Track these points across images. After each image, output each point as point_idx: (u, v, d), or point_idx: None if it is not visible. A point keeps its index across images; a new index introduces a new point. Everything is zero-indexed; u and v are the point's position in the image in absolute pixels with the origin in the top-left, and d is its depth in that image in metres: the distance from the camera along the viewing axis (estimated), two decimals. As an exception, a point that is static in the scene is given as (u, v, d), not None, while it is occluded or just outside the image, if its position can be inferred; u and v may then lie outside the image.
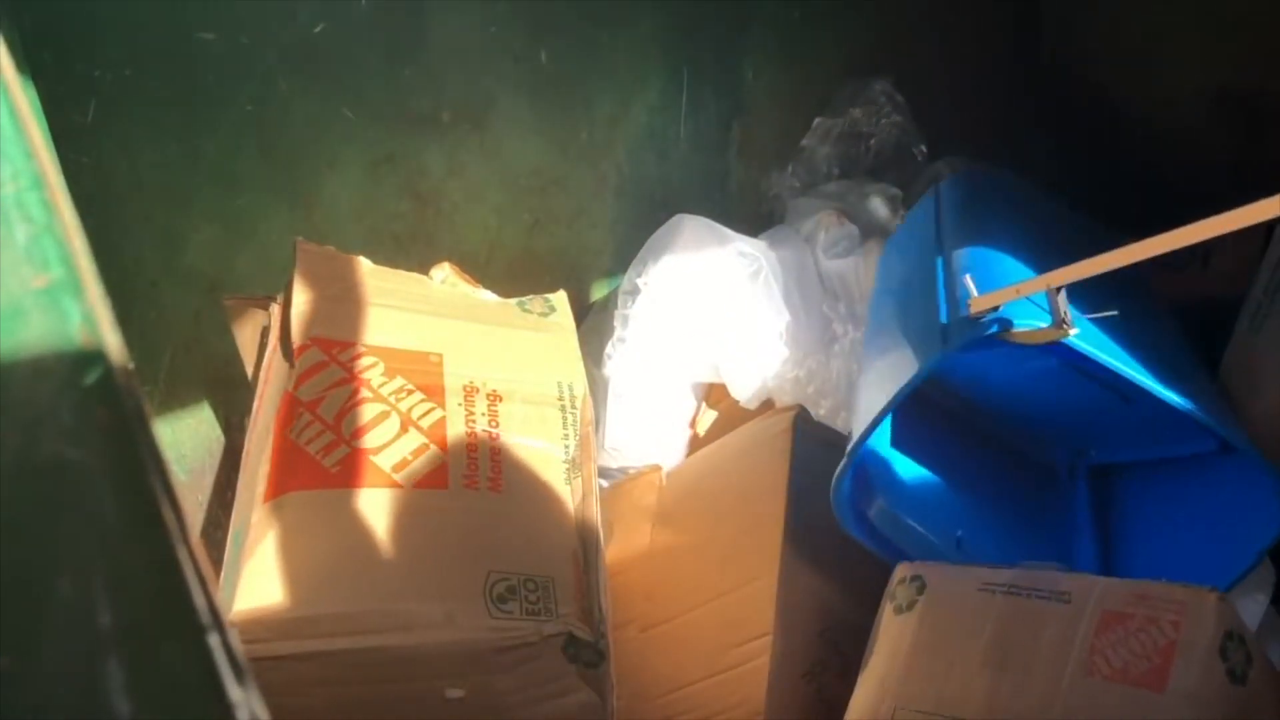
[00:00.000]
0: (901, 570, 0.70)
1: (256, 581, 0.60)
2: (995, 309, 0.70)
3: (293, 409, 0.69)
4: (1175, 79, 1.16)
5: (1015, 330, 0.69)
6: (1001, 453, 0.91)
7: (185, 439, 0.90)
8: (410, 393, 0.72)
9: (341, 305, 0.76)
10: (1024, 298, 0.70)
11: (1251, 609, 0.77)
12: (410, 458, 0.68)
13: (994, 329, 0.69)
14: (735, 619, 0.77)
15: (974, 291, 0.71)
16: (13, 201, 0.24)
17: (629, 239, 1.09)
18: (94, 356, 0.24)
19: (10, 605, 0.21)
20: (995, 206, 0.94)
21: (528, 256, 1.10)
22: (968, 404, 0.90)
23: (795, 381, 0.99)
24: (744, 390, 1.00)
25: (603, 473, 0.98)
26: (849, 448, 0.74)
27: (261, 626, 0.58)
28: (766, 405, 1.00)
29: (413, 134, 0.98)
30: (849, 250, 1.09)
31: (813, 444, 0.83)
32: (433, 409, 0.71)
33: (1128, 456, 0.88)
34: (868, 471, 0.80)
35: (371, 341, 0.74)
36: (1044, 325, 0.68)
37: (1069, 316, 0.68)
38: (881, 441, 0.81)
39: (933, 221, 0.91)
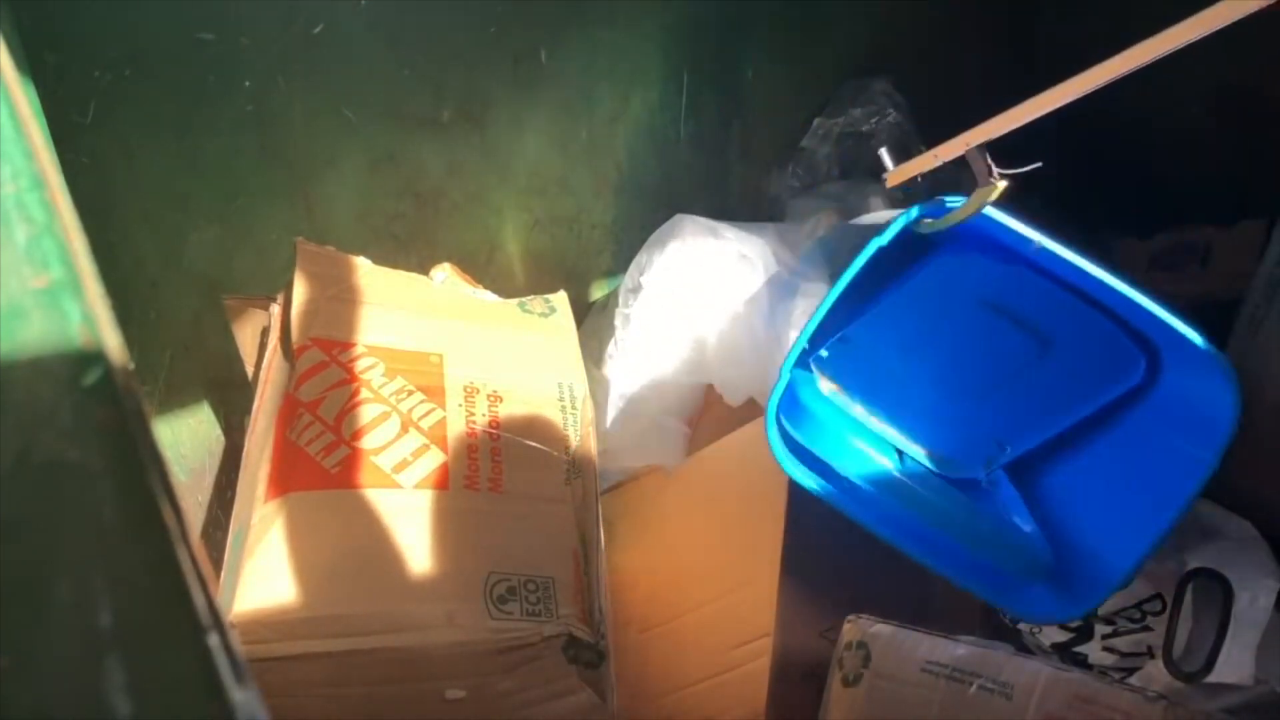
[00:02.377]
0: (849, 631, 0.69)
1: (257, 582, 0.60)
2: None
3: (293, 409, 0.69)
4: (1175, 79, 1.16)
5: (948, 214, 0.70)
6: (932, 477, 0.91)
7: (185, 439, 0.90)
8: (411, 393, 0.72)
9: (342, 305, 0.76)
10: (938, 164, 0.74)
11: (1261, 601, 0.77)
12: (411, 458, 0.68)
13: (929, 214, 0.70)
14: (736, 619, 0.77)
15: (890, 165, 0.72)
16: (13, 202, 0.24)
17: (629, 239, 1.09)
18: (94, 356, 0.24)
19: (10, 605, 0.21)
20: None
21: (528, 256, 1.10)
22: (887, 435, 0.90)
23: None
24: (734, 390, 1.00)
25: (603, 473, 0.97)
26: (783, 363, 0.73)
27: (262, 627, 0.58)
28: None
29: (413, 134, 0.97)
30: (849, 250, 1.09)
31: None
32: (433, 409, 0.71)
33: (1043, 434, 0.88)
34: (802, 407, 0.80)
35: (372, 342, 0.74)
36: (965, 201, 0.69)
37: (994, 169, 0.68)
38: (814, 398, 0.82)
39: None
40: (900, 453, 0.83)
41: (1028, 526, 0.84)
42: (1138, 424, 0.80)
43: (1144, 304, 0.71)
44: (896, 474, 0.82)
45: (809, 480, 0.76)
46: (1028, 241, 0.70)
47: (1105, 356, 0.79)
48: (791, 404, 0.75)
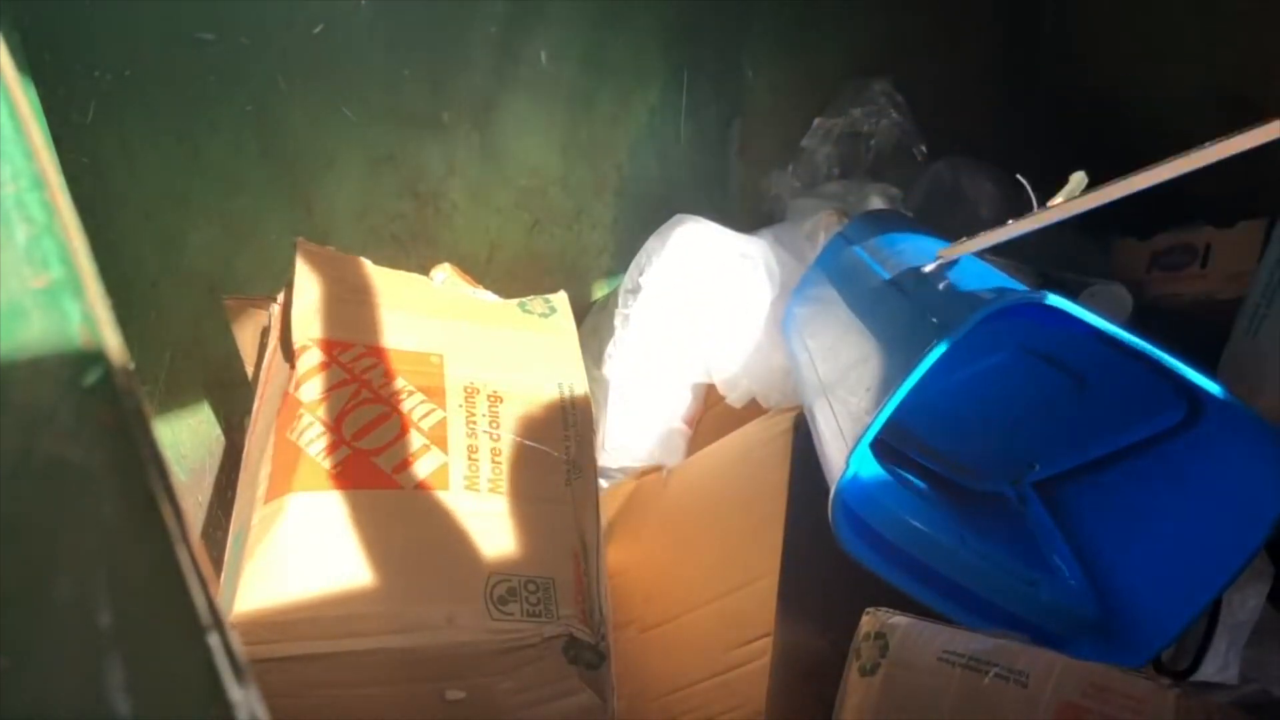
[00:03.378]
0: (867, 623, 0.69)
1: (257, 582, 0.60)
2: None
3: (293, 410, 0.69)
4: (1175, 79, 1.16)
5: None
6: (956, 485, 0.91)
7: (185, 439, 0.90)
8: (411, 394, 0.72)
9: (342, 306, 0.76)
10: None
11: (1250, 602, 0.77)
12: (411, 459, 0.68)
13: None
14: (736, 619, 0.77)
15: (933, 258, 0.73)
16: (13, 202, 0.24)
17: (629, 239, 1.09)
18: (94, 356, 0.24)
19: (10, 605, 0.21)
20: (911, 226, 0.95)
21: (528, 256, 1.10)
22: (911, 443, 0.90)
23: (784, 384, 0.99)
24: (735, 390, 1.00)
25: (603, 473, 0.98)
26: (848, 454, 0.71)
27: (262, 627, 0.58)
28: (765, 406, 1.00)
29: (413, 134, 0.98)
30: (849, 250, 1.09)
31: (814, 444, 0.83)
32: (433, 410, 0.71)
33: (1075, 460, 0.87)
34: (861, 483, 0.79)
35: (372, 342, 0.74)
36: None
37: None
38: (866, 465, 0.81)
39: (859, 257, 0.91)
40: (962, 536, 0.83)
41: (1066, 566, 0.83)
42: (1184, 474, 0.78)
43: (1185, 371, 0.70)
44: (957, 552, 0.81)
45: (875, 563, 0.74)
46: (1083, 324, 0.69)
47: (1143, 397, 0.78)
48: (850, 483, 0.73)
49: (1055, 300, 0.68)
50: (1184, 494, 0.78)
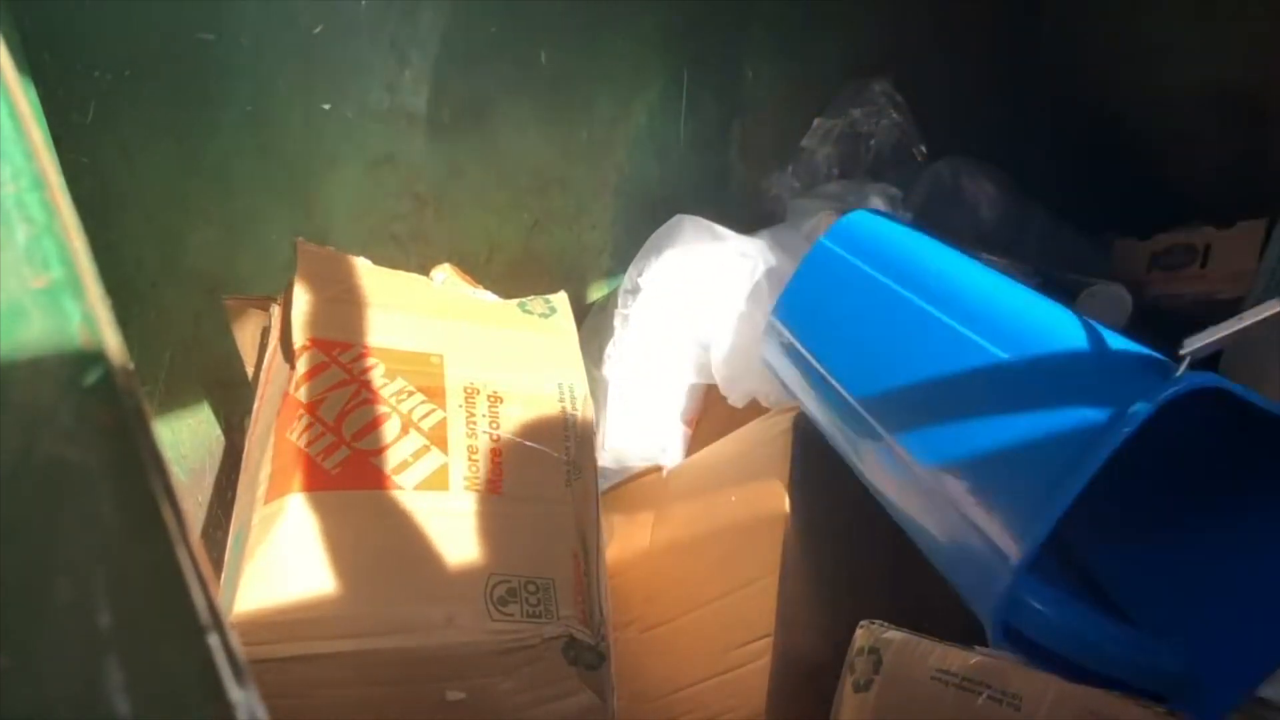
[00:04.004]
0: (860, 636, 0.68)
1: (257, 583, 0.60)
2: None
3: (293, 410, 0.69)
4: (1175, 79, 1.16)
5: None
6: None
7: (185, 439, 0.90)
8: (411, 394, 0.72)
9: (342, 306, 0.76)
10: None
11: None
12: (411, 459, 0.68)
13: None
14: (737, 620, 0.77)
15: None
16: (13, 202, 0.24)
17: (629, 239, 1.09)
18: (94, 356, 0.24)
19: (10, 605, 0.21)
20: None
21: (528, 256, 1.10)
22: None
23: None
24: (735, 390, 1.00)
25: (603, 474, 0.97)
26: (1032, 539, 0.58)
27: (262, 628, 0.58)
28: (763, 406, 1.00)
29: (413, 134, 0.97)
30: (849, 250, 1.09)
31: (814, 444, 0.83)
32: (433, 410, 0.71)
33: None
34: None
35: (372, 342, 0.74)
36: None
37: None
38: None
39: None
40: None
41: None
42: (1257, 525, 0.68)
43: None
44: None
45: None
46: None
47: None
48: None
49: (1240, 390, 0.59)
50: (1256, 543, 0.68)
